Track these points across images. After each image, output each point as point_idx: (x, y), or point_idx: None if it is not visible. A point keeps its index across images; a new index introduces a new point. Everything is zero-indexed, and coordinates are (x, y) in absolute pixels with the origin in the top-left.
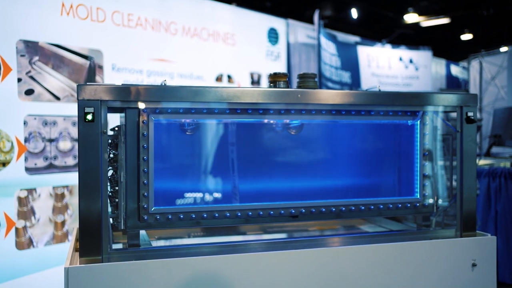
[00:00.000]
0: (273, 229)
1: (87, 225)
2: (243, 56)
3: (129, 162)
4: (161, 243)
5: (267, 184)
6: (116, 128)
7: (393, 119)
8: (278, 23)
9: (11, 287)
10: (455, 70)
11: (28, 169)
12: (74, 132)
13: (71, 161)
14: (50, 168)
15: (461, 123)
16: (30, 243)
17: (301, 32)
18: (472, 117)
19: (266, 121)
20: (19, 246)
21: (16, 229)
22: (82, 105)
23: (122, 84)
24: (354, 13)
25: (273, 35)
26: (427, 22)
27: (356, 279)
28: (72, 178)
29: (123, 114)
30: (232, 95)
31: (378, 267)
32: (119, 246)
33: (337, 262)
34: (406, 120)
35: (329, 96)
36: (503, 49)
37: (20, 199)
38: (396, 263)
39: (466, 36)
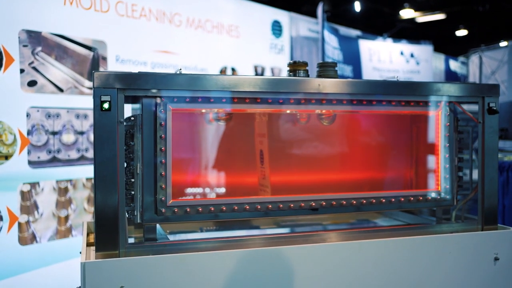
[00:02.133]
0: (286, 222)
1: (103, 218)
2: (247, 48)
3: (146, 153)
4: (177, 237)
5: (288, 176)
6: (132, 118)
7: (414, 110)
8: (281, 15)
9: (14, 283)
10: (454, 65)
11: (31, 163)
12: (78, 124)
13: (74, 154)
14: (54, 161)
15: (483, 114)
16: (33, 238)
17: (303, 26)
18: (494, 108)
19: (288, 111)
20: (22, 241)
21: (19, 224)
22: (98, 93)
23: (139, 72)
24: (357, 7)
25: (277, 28)
26: (422, 18)
27: (377, 273)
28: (76, 172)
29: (135, 105)
30: (255, 84)
31: (399, 261)
32: (132, 240)
33: (358, 256)
34: (427, 110)
35: (349, 85)
36: (503, 43)
37: (23, 193)
38: (418, 257)
39: (461, 32)
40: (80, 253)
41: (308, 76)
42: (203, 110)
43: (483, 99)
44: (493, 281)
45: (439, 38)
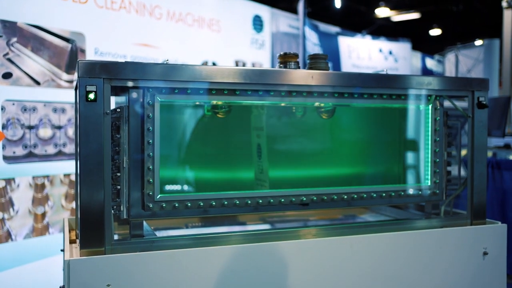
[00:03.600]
0: (273, 218)
1: (88, 214)
2: (228, 43)
3: (132, 146)
4: (163, 233)
5: (279, 171)
6: (118, 110)
7: (405, 103)
8: (263, 10)
9: None
10: (430, 63)
11: (6, 158)
12: (55, 119)
13: (52, 149)
14: (30, 156)
15: (473, 108)
16: (8, 236)
17: (283, 22)
18: (484, 102)
19: (283, 104)
20: None
21: None
22: (83, 83)
23: (126, 61)
24: (337, 3)
25: (258, 23)
26: (398, 17)
27: (368, 268)
28: (53, 168)
29: (120, 98)
30: (247, 75)
31: (388, 256)
32: (116, 237)
33: (349, 252)
34: (417, 104)
35: (342, 78)
36: (478, 42)
37: None
38: (409, 252)
39: (435, 31)
40: (62, 250)
41: (299, 68)
42: (195, 102)
43: (472, 93)
44: (482, 275)
45: (414, 37)
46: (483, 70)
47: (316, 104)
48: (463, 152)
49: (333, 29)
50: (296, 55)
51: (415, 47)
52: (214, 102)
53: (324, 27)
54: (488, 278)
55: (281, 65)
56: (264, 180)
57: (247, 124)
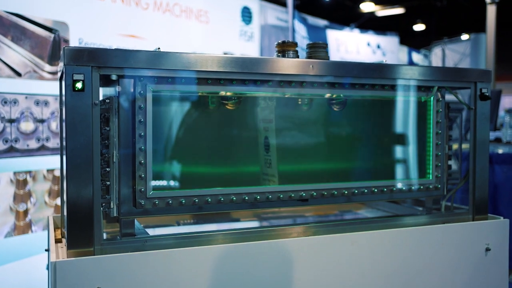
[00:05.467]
0: (268, 214)
1: (76, 212)
2: (216, 35)
3: (123, 139)
4: (155, 231)
5: (286, 166)
6: (107, 101)
7: (406, 95)
8: (251, 2)
9: None
10: (416, 57)
11: None
12: (38, 112)
13: (34, 144)
14: (11, 151)
15: (475, 99)
16: None
17: (271, 14)
18: (487, 94)
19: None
20: None
21: None
22: (70, 71)
23: (117, 48)
24: None
25: (246, 14)
26: (382, 11)
27: (368, 266)
28: (36, 163)
29: (108, 90)
30: (244, 64)
31: (389, 253)
32: (105, 236)
33: (349, 249)
34: (419, 96)
35: (343, 67)
36: (464, 37)
37: None
38: (409, 248)
39: (419, 27)
40: (46, 250)
41: (298, 57)
42: (189, 92)
43: (475, 85)
44: (485, 272)
45: (401, 31)
46: (470, 65)
47: (327, 95)
48: (455, 146)
49: (322, 22)
50: (295, 44)
51: (401, 42)
52: (224, 93)
53: (312, 20)
54: (490, 274)
55: (279, 54)
56: (272, 174)
57: (251, 116)
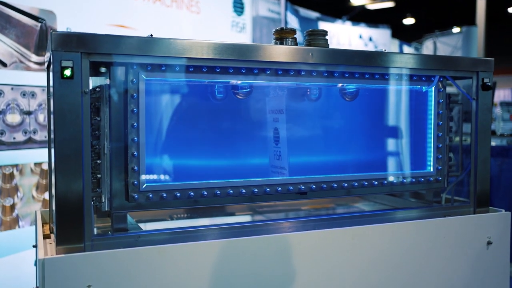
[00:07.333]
0: (263, 208)
1: (65, 206)
2: (207, 26)
3: (114, 130)
4: (149, 226)
5: (296, 158)
6: (98, 89)
7: (408, 85)
8: None
9: None
10: (408, 51)
11: None
12: (24, 104)
13: (20, 136)
14: None
15: (477, 90)
16: None
17: (262, 6)
18: (489, 84)
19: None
20: None
21: None
22: (58, 57)
23: (108, 34)
24: None
25: (238, 5)
26: (372, 5)
27: (369, 260)
28: (23, 156)
29: (99, 79)
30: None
31: (390, 247)
32: (96, 231)
33: (350, 243)
34: (421, 86)
35: (343, 55)
36: (456, 30)
37: None
38: (410, 242)
39: (409, 20)
40: (34, 246)
41: (296, 45)
42: (184, 80)
43: (477, 74)
44: (486, 265)
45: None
46: None
47: (339, 85)
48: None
49: (313, 14)
50: (294, 31)
51: (392, 35)
52: (234, 81)
53: (304, 12)
54: (491, 267)
55: (277, 41)
56: (282, 167)
57: (256, 107)
